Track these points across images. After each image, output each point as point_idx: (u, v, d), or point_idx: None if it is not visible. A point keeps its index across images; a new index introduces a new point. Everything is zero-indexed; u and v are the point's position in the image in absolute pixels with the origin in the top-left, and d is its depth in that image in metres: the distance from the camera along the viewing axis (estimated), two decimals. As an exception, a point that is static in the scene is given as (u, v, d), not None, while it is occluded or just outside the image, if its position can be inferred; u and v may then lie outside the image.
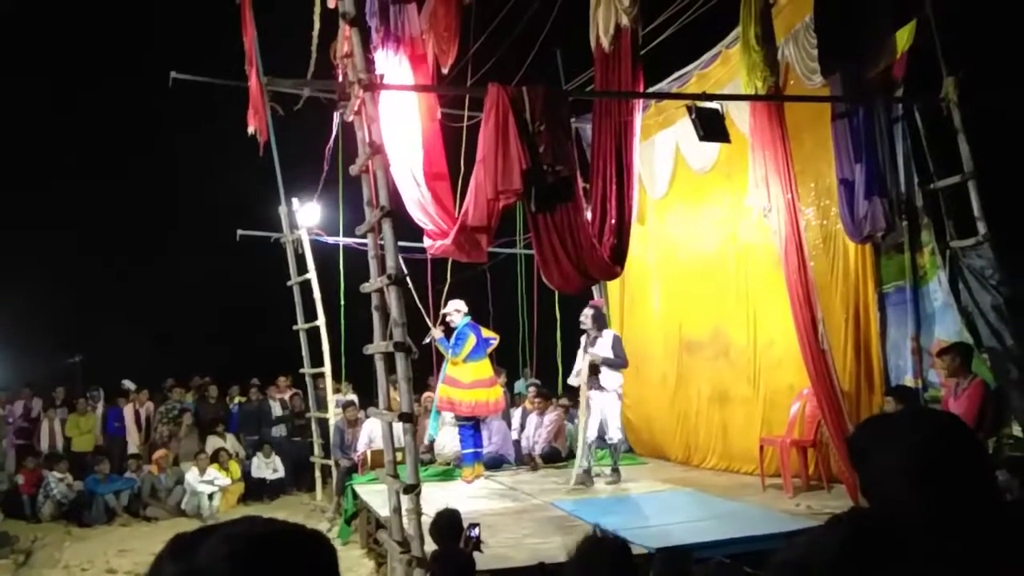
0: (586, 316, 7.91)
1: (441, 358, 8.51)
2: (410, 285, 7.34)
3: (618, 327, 10.20)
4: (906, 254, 6.75)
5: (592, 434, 7.66)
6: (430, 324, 8.05)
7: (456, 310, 8.17)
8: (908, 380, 6.70)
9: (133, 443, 11.33)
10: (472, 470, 8.25)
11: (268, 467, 10.93)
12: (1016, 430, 6.01)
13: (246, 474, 10.77)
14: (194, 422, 11.36)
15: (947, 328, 6.45)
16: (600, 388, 7.65)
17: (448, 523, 4.58)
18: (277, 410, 11.94)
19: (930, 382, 6.60)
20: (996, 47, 6.97)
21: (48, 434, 11.05)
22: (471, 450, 8.27)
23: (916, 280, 6.72)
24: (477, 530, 4.44)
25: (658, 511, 6.46)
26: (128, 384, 11.86)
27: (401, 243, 6.01)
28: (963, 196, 6.50)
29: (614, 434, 7.76)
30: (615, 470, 7.85)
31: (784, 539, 4.20)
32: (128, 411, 11.52)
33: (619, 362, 7.74)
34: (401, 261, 5.40)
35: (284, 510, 9.73)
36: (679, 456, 9.13)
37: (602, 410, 7.67)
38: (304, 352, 10.57)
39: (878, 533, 0.99)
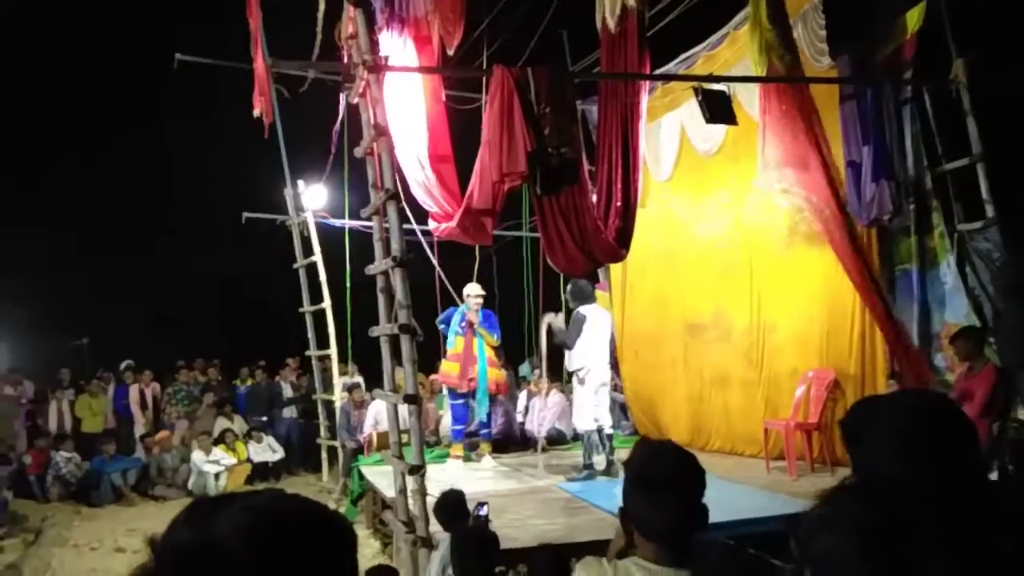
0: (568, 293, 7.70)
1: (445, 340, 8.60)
2: (435, 262, 7.39)
3: (619, 309, 10.20)
4: (912, 237, 6.72)
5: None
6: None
7: (479, 294, 8.20)
8: (913, 364, 6.69)
9: (139, 424, 11.40)
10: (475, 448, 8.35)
11: (266, 450, 10.99)
12: (1022, 413, 6.01)
13: (249, 457, 10.85)
14: (214, 403, 11.44)
15: (956, 311, 6.42)
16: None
17: (453, 504, 4.60)
18: (288, 392, 12.01)
19: (936, 366, 6.59)
20: (1006, 29, 6.89)
21: (56, 415, 11.12)
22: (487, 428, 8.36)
23: (924, 263, 6.70)
24: (486, 508, 4.45)
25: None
26: (127, 364, 11.87)
27: (409, 226, 6.03)
28: (971, 179, 6.46)
29: (576, 423, 7.43)
30: (586, 466, 7.16)
31: (787, 521, 4.23)
32: (133, 392, 11.58)
33: (561, 337, 7.33)
34: (425, 243, 5.35)
35: (290, 491, 9.81)
36: (683, 438, 9.14)
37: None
38: (310, 334, 10.61)
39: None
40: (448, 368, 8.30)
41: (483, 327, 8.12)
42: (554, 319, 7.51)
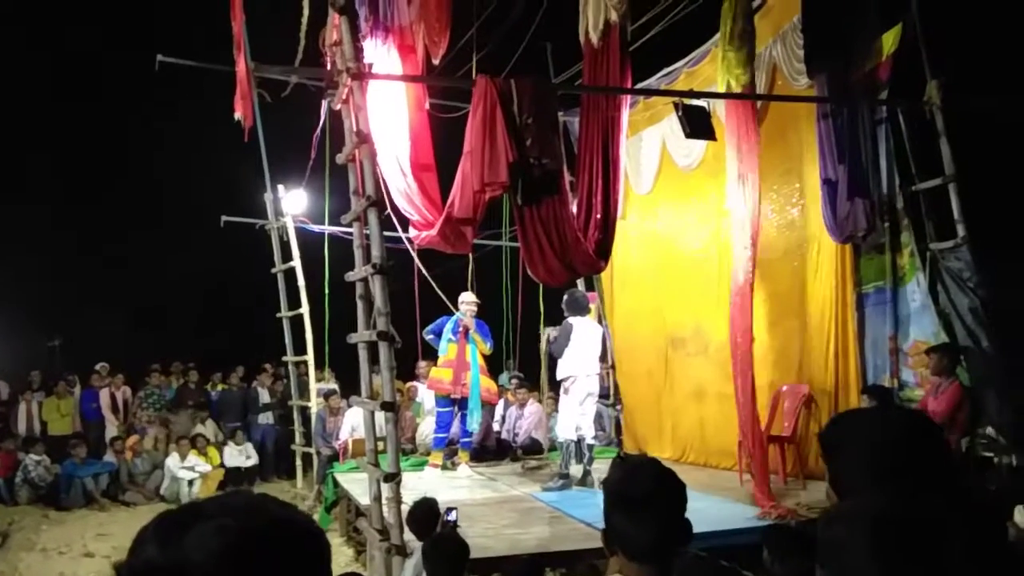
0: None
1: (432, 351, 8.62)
2: (424, 273, 7.41)
3: (608, 321, 10.26)
4: (886, 255, 6.84)
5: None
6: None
7: (474, 302, 8.24)
8: (885, 379, 6.79)
9: (112, 427, 11.25)
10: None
11: (241, 455, 10.89)
12: (990, 430, 6.12)
13: (223, 462, 10.74)
14: (191, 406, 11.32)
15: (924, 329, 6.54)
16: None
17: (425, 513, 4.61)
18: (265, 397, 11.90)
19: (905, 381, 6.70)
20: (980, 52, 7.06)
21: (25, 417, 10.95)
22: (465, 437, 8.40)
23: (895, 281, 6.81)
24: (454, 514, 4.47)
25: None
26: (100, 367, 11.71)
27: (394, 233, 6.03)
28: (943, 199, 6.58)
29: (558, 432, 7.50)
30: (561, 475, 7.14)
31: (759, 533, 4.26)
32: (104, 395, 11.42)
33: (550, 347, 7.45)
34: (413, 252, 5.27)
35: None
36: (661, 451, 9.20)
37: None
38: (287, 340, 10.56)
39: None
40: (440, 374, 8.27)
41: (477, 333, 8.17)
42: (552, 331, 7.59)
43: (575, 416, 7.23)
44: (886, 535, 0.96)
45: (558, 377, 7.42)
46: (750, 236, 6.29)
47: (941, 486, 1.27)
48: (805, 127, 7.15)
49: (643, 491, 1.69)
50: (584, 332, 7.34)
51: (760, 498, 5.99)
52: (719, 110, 7.28)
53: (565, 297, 7.63)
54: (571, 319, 7.39)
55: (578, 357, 7.25)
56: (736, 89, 6.37)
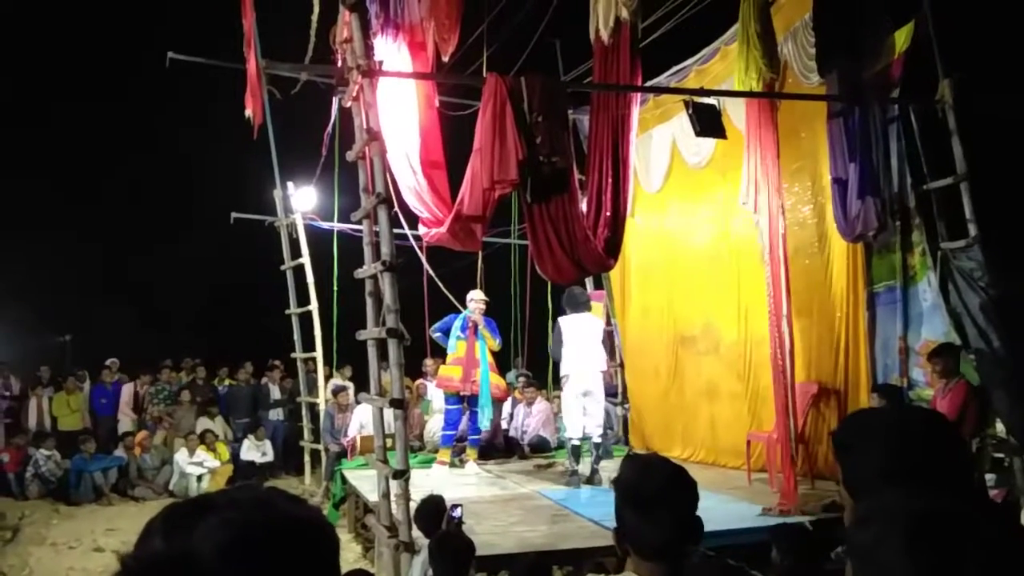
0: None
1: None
2: (431, 273, 7.42)
3: (620, 319, 10.24)
4: (897, 254, 6.80)
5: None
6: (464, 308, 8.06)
7: (483, 299, 8.28)
8: (895, 379, 6.76)
9: (128, 421, 11.31)
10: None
11: (258, 450, 10.93)
12: (1000, 430, 6.08)
13: (234, 456, 10.78)
14: (192, 400, 11.37)
15: (935, 328, 6.50)
16: None
17: (433, 510, 4.62)
18: (276, 393, 11.93)
19: (914, 380, 6.66)
20: (992, 50, 7.01)
21: (36, 412, 11.02)
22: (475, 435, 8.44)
23: (906, 280, 6.77)
24: (459, 511, 4.47)
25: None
26: (111, 362, 11.76)
27: (401, 231, 6.03)
28: (955, 198, 6.54)
29: (563, 429, 7.57)
30: (571, 473, 7.21)
31: (767, 533, 4.25)
32: (126, 391, 11.47)
33: (552, 353, 7.50)
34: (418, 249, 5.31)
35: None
36: (668, 450, 9.19)
37: None
38: (296, 336, 10.59)
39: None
40: (449, 372, 8.29)
41: (486, 329, 8.20)
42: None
43: (575, 413, 7.23)
44: (922, 533, 0.95)
45: (561, 373, 7.46)
46: (781, 233, 6.27)
47: (956, 486, 1.26)
48: (817, 125, 7.11)
49: (655, 489, 1.69)
50: (576, 328, 7.33)
51: (786, 493, 5.95)
52: (729, 108, 7.26)
53: (565, 295, 7.65)
54: (561, 318, 7.45)
55: (569, 354, 7.27)
56: (759, 87, 6.33)
